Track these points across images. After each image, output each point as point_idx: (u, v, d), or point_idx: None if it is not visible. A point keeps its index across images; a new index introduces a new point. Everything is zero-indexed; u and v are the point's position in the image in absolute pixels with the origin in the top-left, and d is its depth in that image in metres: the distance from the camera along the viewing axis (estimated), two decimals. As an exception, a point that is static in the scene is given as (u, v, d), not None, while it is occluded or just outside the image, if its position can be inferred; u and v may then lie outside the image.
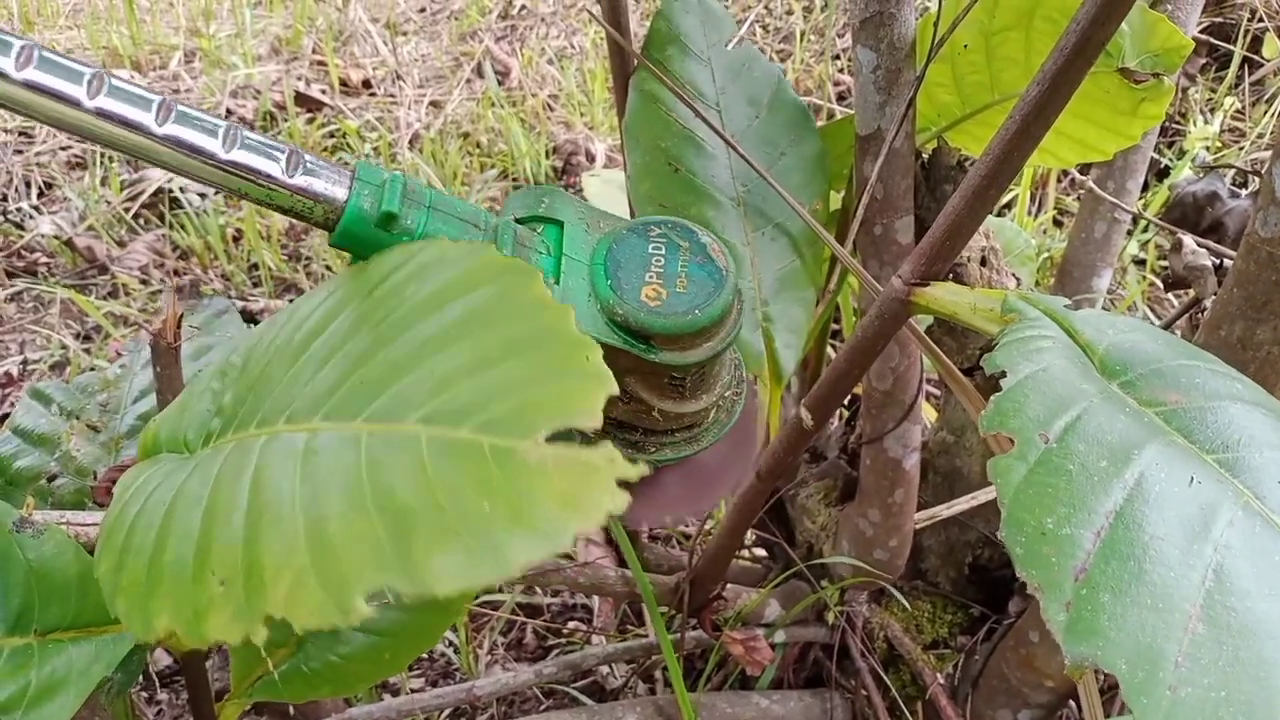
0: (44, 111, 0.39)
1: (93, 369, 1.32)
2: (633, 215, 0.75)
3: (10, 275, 1.70)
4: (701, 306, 0.43)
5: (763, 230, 0.74)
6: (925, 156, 0.81)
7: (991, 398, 0.40)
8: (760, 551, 1.04)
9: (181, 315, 0.54)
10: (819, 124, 0.82)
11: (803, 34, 2.09)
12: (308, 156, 0.43)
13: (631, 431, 0.49)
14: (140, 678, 1.08)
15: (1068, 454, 0.37)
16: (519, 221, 0.46)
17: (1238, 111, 1.67)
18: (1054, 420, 0.39)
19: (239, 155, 0.41)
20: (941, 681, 0.90)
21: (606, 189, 1.14)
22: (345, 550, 0.32)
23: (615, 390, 0.35)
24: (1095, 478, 0.37)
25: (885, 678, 0.92)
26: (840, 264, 0.91)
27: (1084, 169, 1.47)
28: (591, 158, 1.91)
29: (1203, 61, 1.63)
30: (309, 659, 0.62)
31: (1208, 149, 1.54)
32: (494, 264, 0.40)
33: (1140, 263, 1.52)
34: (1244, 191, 0.93)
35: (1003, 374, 0.42)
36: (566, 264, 0.44)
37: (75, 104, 0.39)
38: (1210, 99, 1.72)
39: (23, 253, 1.75)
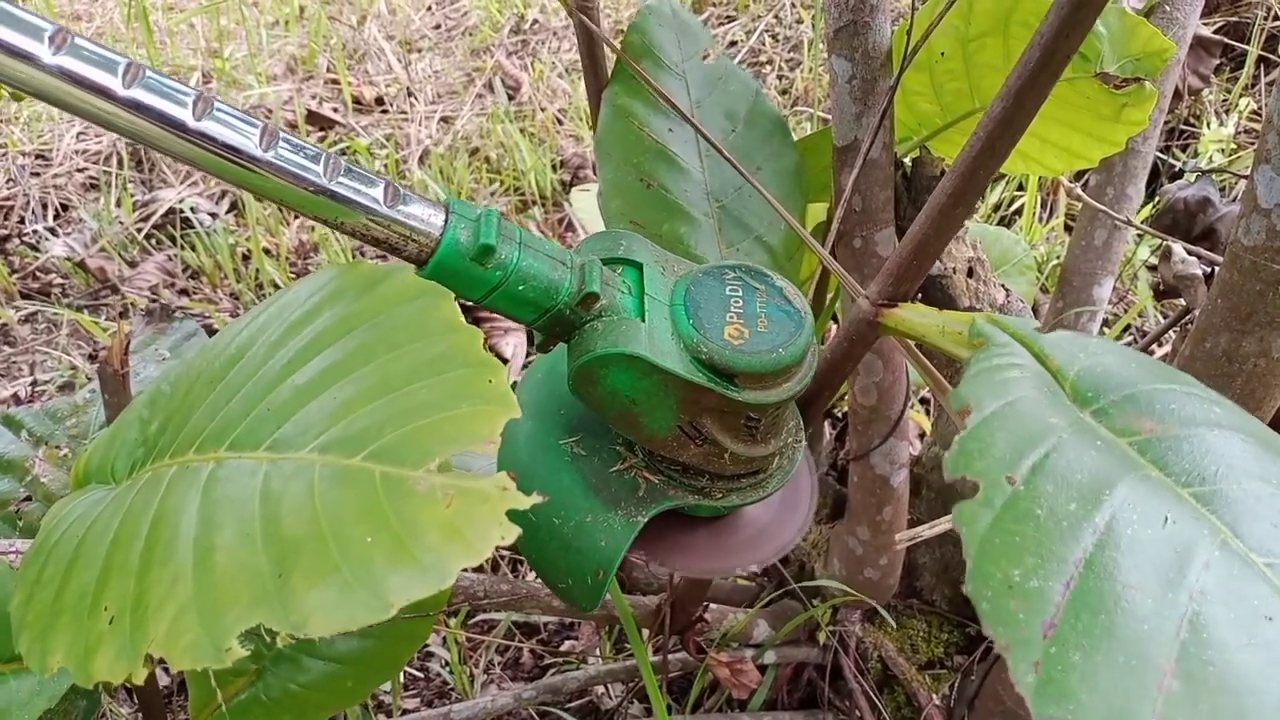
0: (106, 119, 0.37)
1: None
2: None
3: (25, 296, 1.72)
4: (785, 345, 0.44)
5: (737, 246, 0.73)
6: (907, 167, 0.79)
7: (955, 438, 0.38)
8: (754, 568, 1.02)
9: (129, 341, 0.53)
10: (808, 134, 0.80)
11: (811, 42, 2.07)
12: (404, 188, 0.42)
13: (698, 477, 0.49)
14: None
15: (1035, 497, 0.35)
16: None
17: (1254, 113, 1.63)
18: (1021, 460, 0.36)
19: (340, 185, 0.40)
20: (937, 703, 0.88)
21: (595, 203, 1.12)
22: (227, 584, 0.31)
23: (517, 413, 0.34)
24: (1064, 522, 0.34)
25: (879, 699, 0.90)
26: (828, 282, 0.89)
27: (1079, 175, 1.44)
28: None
29: (1216, 62, 1.59)
30: (268, 688, 0.61)
31: (1222, 151, 1.51)
32: (406, 286, 0.39)
33: (1154, 269, 1.48)
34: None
35: (969, 410, 0.40)
36: (649, 304, 0.45)
37: (180, 126, 0.37)
38: (1225, 100, 1.69)
39: (37, 274, 1.77)
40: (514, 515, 0.47)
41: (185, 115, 0.37)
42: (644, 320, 0.44)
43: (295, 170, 0.39)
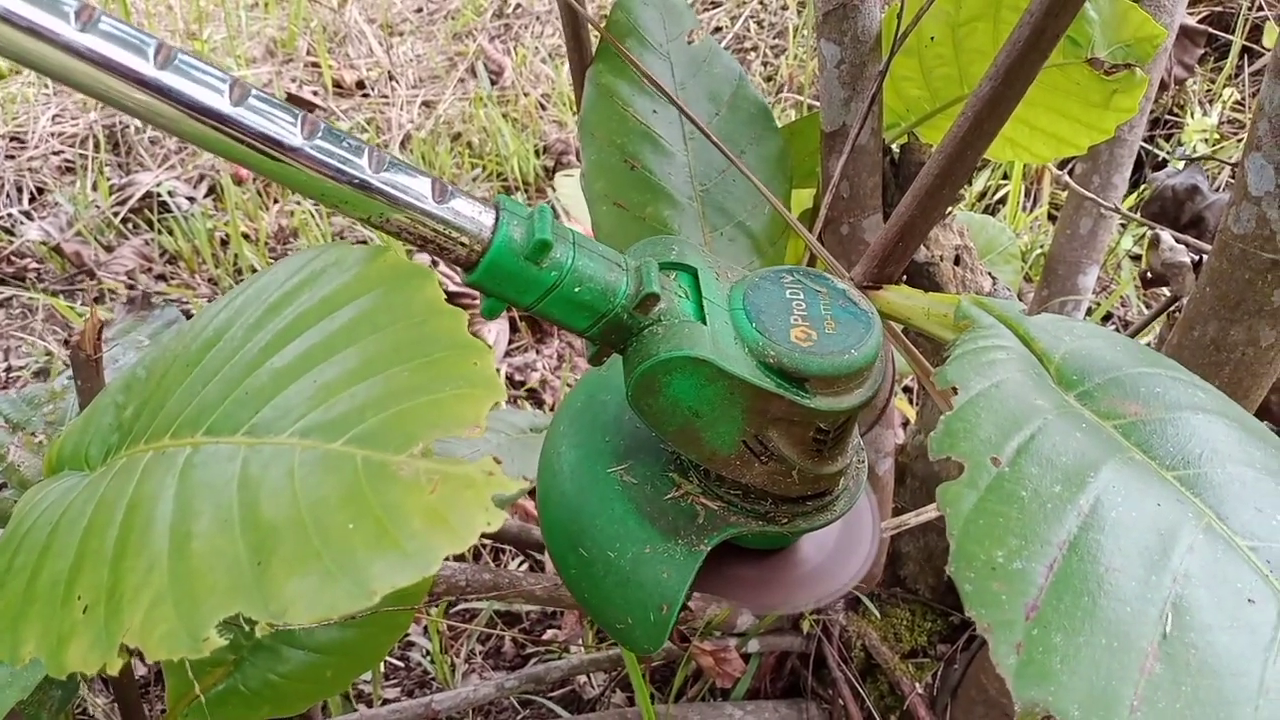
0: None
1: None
2: (592, 216, 0.73)
3: (0, 281, 1.70)
4: (856, 346, 0.41)
5: (721, 230, 0.72)
6: (895, 153, 0.78)
7: (941, 418, 0.38)
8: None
9: (101, 326, 0.52)
10: (793, 120, 0.79)
11: (796, 29, 2.06)
12: (449, 184, 0.39)
13: (761, 501, 0.46)
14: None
15: (1020, 478, 0.35)
16: None
17: (1237, 102, 1.63)
18: (1006, 441, 0.36)
19: (385, 181, 0.37)
20: (920, 691, 0.88)
21: (580, 187, 1.11)
22: (204, 572, 0.30)
23: (502, 396, 0.33)
24: (1049, 504, 0.34)
25: (862, 688, 0.90)
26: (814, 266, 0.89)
27: (1063, 164, 1.44)
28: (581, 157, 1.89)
29: (1201, 52, 1.59)
30: (247, 679, 0.60)
31: (1206, 141, 1.51)
32: (389, 267, 0.38)
33: (1137, 258, 1.49)
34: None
35: (955, 390, 0.39)
36: (709, 308, 0.42)
37: (217, 115, 0.34)
38: (1209, 90, 1.69)
39: (12, 259, 1.74)
40: (566, 554, 0.45)
41: (220, 101, 0.34)
42: (705, 325, 0.41)
43: (337, 164, 0.36)
